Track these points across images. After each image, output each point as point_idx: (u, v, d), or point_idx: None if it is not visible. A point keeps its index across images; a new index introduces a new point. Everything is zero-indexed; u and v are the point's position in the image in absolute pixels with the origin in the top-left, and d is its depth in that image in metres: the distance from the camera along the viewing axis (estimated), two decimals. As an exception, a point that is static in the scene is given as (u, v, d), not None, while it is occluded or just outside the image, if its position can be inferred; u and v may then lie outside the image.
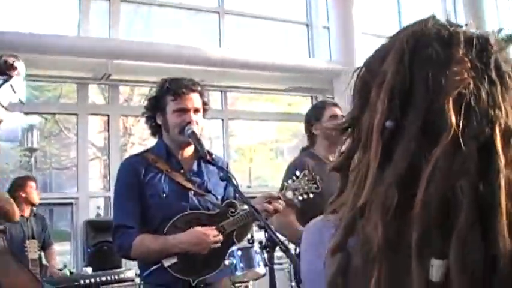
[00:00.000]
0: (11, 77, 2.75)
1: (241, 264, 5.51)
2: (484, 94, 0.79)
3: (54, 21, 7.15)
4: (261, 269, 5.52)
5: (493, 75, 0.82)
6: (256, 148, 12.80)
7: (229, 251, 5.52)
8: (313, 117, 3.59)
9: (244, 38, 8.48)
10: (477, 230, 0.73)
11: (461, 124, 0.77)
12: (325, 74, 7.92)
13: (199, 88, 2.75)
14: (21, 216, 5.50)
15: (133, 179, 2.66)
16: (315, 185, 2.77)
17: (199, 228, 2.55)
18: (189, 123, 2.64)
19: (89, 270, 5.78)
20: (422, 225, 0.75)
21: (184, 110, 2.66)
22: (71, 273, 5.74)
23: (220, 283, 2.71)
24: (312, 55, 8.59)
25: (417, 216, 0.75)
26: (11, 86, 2.75)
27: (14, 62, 2.75)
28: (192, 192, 2.68)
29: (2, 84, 2.73)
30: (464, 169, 0.75)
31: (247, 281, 5.65)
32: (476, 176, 0.75)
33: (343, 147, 0.94)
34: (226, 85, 8.15)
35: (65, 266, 5.82)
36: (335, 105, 3.65)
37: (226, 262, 5.48)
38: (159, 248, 2.54)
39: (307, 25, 8.73)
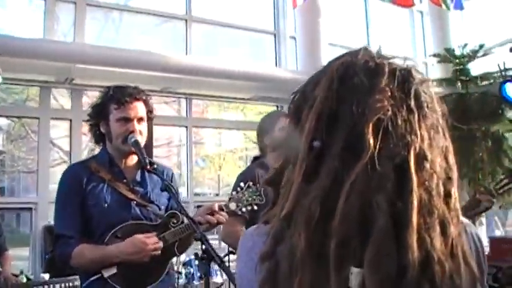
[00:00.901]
0: None
1: (199, 274, 5.53)
2: (400, 120, 0.88)
3: (20, 24, 7.09)
4: (218, 278, 5.55)
5: (412, 104, 0.91)
6: (225, 156, 12.79)
7: (187, 259, 5.57)
8: (264, 128, 3.58)
9: (211, 46, 8.48)
10: (391, 241, 0.81)
11: (378, 146, 0.85)
12: (291, 84, 7.85)
13: (143, 96, 2.72)
14: (-25, 221, 5.44)
15: (75, 187, 2.63)
16: (259, 197, 2.76)
17: (138, 236, 2.53)
18: (132, 132, 2.61)
19: (46, 276, 5.70)
20: (341, 235, 0.82)
21: (127, 119, 2.63)
22: (28, 279, 5.66)
23: (164, 294, 2.68)
24: (279, 65, 8.61)
25: (336, 227, 0.83)
26: None
27: None
28: (135, 202, 2.66)
29: None
30: (380, 186, 0.83)
31: (204, 290, 5.66)
32: (392, 193, 0.83)
33: (276, 164, 1.05)
34: (191, 92, 8.12)
35: (21, 272, 5.73)
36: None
37: (183, 271, 5.52)
38: (98, 258, 2.51)
39: (274, 34, 8.77)
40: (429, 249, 0.83)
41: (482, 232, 7.84)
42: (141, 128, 2.66)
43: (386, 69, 0.94)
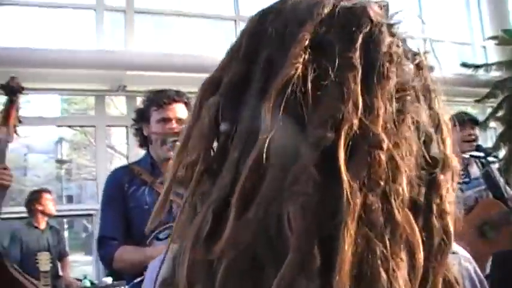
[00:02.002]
0: (18, 97, 2.88)
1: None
2: (330, 84, 0.58)
3: (71, 35, 7.29)
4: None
5: (355, 57, 0.59)
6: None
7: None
8: None
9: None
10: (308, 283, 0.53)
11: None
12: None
13: (184, 99, 2.74)
14: (37, 228, 5.63)
15: (117, 191, 2.67)
16: None
17: None
18: (171, 133, 2.63)
19: (109, 280, 5.83)
20: (230, 265, 0.56)
21: (166, 120, 2.66)
22: (91, 283, 5.81)
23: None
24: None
25: (225, 251, 0.56)
26: (18, 106, 2.89)
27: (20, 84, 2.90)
28: (176, 204, 2.66)
29: (13, 104, 2.85)
30: (293, 192, 0.54)
31: None
32: (314, 203, 0.54)
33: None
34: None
35: (85, 277, 5.89)
36: None
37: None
38: (139, 260, 2.53)
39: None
40: None
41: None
42: (181, 129, 2.67)
43: (324, 10, 0.62)
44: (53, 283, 4.98)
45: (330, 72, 0.58)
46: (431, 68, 0.68)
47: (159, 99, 2.69)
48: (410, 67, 0.65)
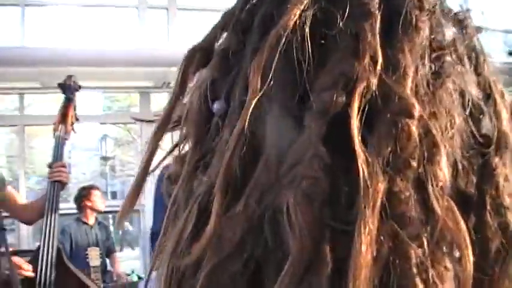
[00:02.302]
0: (75, 95, 2.99)
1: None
2: (339, 34, 0.43)
3: (115, 34, 7.38)
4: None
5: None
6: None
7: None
8: None
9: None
10: None
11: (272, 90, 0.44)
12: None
13: None
14: (86, 224, 5.74)
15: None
16: None
17: None
18: None
19: (156, 275, 5.90)
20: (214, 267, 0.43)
21: None
22: (139, 278, 5.89)
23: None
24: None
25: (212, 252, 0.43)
26: (75, 104, 2.99)
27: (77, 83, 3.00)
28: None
29: (70, 102, 2.93)
30: (299, 173, 0.40)
31: None
32: (321, 181, 0.40)
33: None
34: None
35: (133, 272, 5.97)
36: None
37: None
38: None
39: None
40: None
41: None
42: None
43: None
44: (102, 278, 5.08)
45: (339, 20, 0.43)
46: (478, 29, 0.52)
47: None
48: (449, 23, 0.49)
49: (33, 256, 2.76)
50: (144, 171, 0.53)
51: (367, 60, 0.41)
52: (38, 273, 2.65)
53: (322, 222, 0.39)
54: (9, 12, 7.16)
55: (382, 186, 0.39)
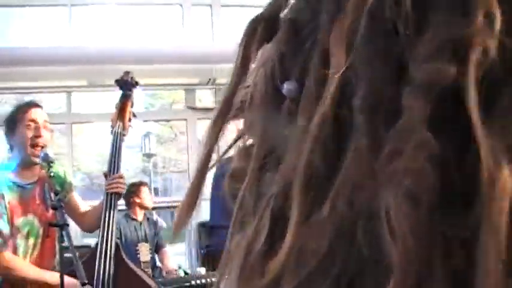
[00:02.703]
0: (132, 92, 2.98)
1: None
2: None
3: (159, 32, 7.43)
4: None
5: None
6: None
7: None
8: None
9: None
10: None
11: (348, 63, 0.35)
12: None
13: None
14: (135, 220, 5.80)
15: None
16: None
17: None
18: None
19: (203, 270, 5.93)
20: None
21: None
22: (185, 273, 5.91)
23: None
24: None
25: None
26: (132, 100, 2.99)
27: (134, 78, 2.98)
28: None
29: (128, 98, 2.94)
30: (401, 167, 0.31)
31: None
32: (430, 177, 0.31)
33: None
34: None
35: (179, 267, 6.00)
36: None
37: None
38: None
39: None
40: None
41: None
42: None
43: None
44: (152, 273, 5.13)
45: None
46: None
47: None
48: None
49: (91, 254, 2.77)
50: (203, 168, 0.45)
51: (480, 18, 0.32)
52: (97, 269, 2.66)
53: (432, 227, 0.31)
54: (56, 12, 7.27)
55: (510, 181, 0.30)
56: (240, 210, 0.41)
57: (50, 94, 8.65)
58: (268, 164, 0.39)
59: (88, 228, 2.94)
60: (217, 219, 2.70)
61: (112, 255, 2.71)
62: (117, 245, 2.80)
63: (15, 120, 2.79)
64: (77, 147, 10.21)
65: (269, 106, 0.40)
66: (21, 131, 2.75)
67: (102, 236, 2.73)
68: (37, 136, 2.73)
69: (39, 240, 2.80)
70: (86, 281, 2.46)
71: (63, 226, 2.48)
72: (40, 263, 2.76)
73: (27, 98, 8.88)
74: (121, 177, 2.79)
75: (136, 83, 2.93)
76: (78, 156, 10.58)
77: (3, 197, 2.71)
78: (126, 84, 2.89)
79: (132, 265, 2.92)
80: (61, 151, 7.33)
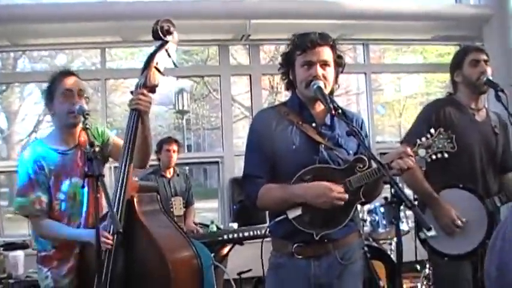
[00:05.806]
0: (166, 42, 2.89)
1: (384, 221, 5.41)
2: None
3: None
4: (405, 226, 5.38)
5: None
6: (405, 102, 12.43)
7: (372, 207, 5.46)
8: (454, 64, 3.49)
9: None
10: None
11: None
12: (473, 20, 7.40)
13: (330, 41, 2.67)
14: (164, 177, 5.86)
15: (264, 130, 2.67)
16: (451, 144, 2.60)
17: (325, 183, 2.51)
18: (315, 77, 2.57)
19: (235, 225, 5.98)
20: None
21: (310, 63, 2.60)
22: (218, 228, 5.97)
23: (346, 239, 2.65)
24: (459, 0, 8.04)
25: None
26: (166, 51, 2.89)
27: (169, 27, 2.90)
28: (323, 145, 2.63)
29: (158, 50, 2.88)
30: None
31: (391, 238, 5.52)
32: None
33: None
34: (368, 38, 7.95)
35: (212, 222, 6.05)
36: (478, 50, 3.47)
37: (368, 218, 5.43)
38: (282, 197, 2.54)
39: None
40: None
41: None
42: (325, 72, 2.61)
43: None
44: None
45: None
46: None
47: (303, 43, 2.63)
48: None
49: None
50: None
51: None
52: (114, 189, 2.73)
53: None
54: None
55: None
56: None
57: (84, 50, 8.69)
58: None
59: (139, 164, 2.94)
60: (251, 169, 2.68)
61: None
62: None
63: (52, 90, 2.95)
64: (111, 103, 10.29)
65: None
66: (59, 100, 2.92)
67: (122, 155, 2.78)
68: (73, 104, 2.87)
69: (85, 199, 2.95)
70: (121, 230, 2.50)
71: (98, 177, 2.50)
72: (93, 219, 2.84)
73: (60, 56, 8.99)
74: (143, 93, 2.77)
75: (172, 27, 2.88)
76: (111, 113, 10.67)
77: (43, 168, 2.88)
78: (161, 31, 2.86)
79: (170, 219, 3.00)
80: (95, 107, 7.38)
